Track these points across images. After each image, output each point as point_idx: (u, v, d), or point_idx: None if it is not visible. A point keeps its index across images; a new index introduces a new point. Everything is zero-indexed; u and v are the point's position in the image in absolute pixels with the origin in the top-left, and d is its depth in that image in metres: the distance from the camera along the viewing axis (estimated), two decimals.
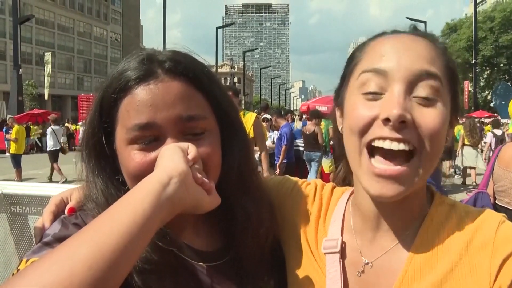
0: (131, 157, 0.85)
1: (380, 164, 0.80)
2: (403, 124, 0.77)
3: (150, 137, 0.85)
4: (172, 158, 0.77)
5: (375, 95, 0.81)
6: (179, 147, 0.81)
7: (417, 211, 0.89)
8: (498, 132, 13.05)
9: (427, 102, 0.79)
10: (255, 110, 10.99)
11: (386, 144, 0.78)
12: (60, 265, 0.59)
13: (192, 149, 0.82)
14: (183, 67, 0.88)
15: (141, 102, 0.84)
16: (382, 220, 0.89)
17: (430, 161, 0.81)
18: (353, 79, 0.87)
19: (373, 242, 0.91)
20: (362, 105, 0.82)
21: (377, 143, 0.80)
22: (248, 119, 5.68)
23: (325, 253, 0.94)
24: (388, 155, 0.80)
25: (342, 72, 0.94)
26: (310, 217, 1.02)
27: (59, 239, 0.82)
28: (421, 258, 0.84)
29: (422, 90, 0.79)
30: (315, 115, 9.77)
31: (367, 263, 0.89)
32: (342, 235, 0.95)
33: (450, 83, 0.84)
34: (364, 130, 0.81)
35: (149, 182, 0.72)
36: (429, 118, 0.78)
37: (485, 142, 13.94)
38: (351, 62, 0.90)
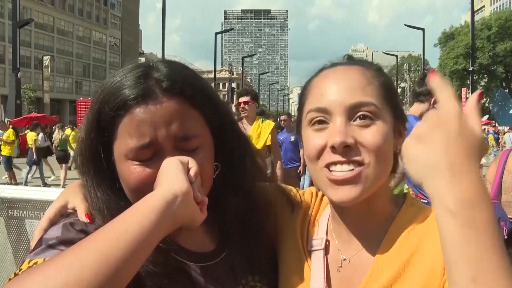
0: (130, 171, 0.88)
1: (336, 172, 0.91)
2: (348, 148, 0.89)
3: (151, 153, 0.87)
4: (177, 176, 0.81)
5: (322, 126, 0.94)
6: (180, 163, 0.84)
7: (384, 213, 0.99)
8: None
9: (366, 123, 0.91)
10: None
11: (338, 168, 0.91)
12: (69, 269, 0.64)
13: (192, 164, 0.86)
14: (180, 86, 0.90)
15: (141, 122, 0.86)
16: (351, 224, 1.00)
17: (379, 168, 0.91)
18: (303, 117, 1.00)
19: (349, 243, 1.01)
20: (312, 136, 0.96)
21: (332, 168, 0.92)
22: (266, 127, 5.72)
23: (311, 251, 1.03)
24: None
25: (297, 108, 1.08)
26: (305, 221, 1.12)
27: (63, 241, 0.84)
28: (386, 256, 0.93)
29: (360, 116, 0.91)
30: None
31: (345, 259, 1.00)
32: (326, 235, 1.05)
33: (387, 99, 0.95)
34: (318, 156, 0.94)
35: (156, 199, 0.77)
36: (369, 136, 0.90)
37: None
38: (301, 100, 1.04)
